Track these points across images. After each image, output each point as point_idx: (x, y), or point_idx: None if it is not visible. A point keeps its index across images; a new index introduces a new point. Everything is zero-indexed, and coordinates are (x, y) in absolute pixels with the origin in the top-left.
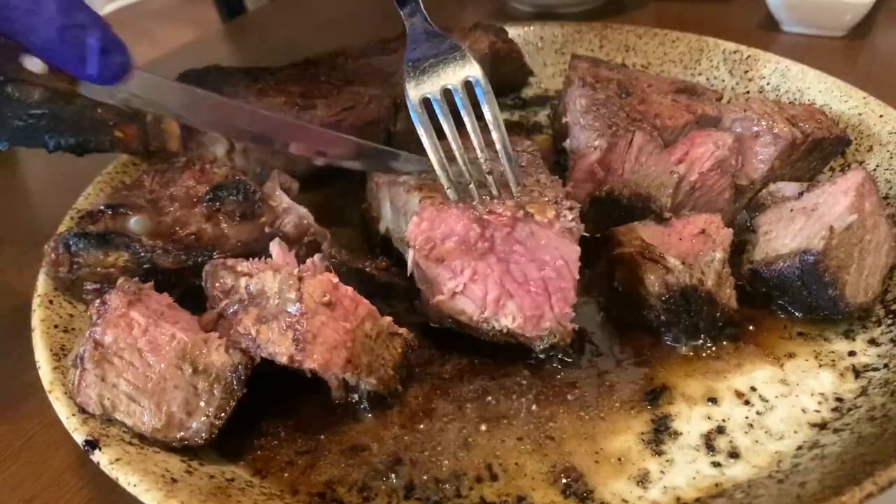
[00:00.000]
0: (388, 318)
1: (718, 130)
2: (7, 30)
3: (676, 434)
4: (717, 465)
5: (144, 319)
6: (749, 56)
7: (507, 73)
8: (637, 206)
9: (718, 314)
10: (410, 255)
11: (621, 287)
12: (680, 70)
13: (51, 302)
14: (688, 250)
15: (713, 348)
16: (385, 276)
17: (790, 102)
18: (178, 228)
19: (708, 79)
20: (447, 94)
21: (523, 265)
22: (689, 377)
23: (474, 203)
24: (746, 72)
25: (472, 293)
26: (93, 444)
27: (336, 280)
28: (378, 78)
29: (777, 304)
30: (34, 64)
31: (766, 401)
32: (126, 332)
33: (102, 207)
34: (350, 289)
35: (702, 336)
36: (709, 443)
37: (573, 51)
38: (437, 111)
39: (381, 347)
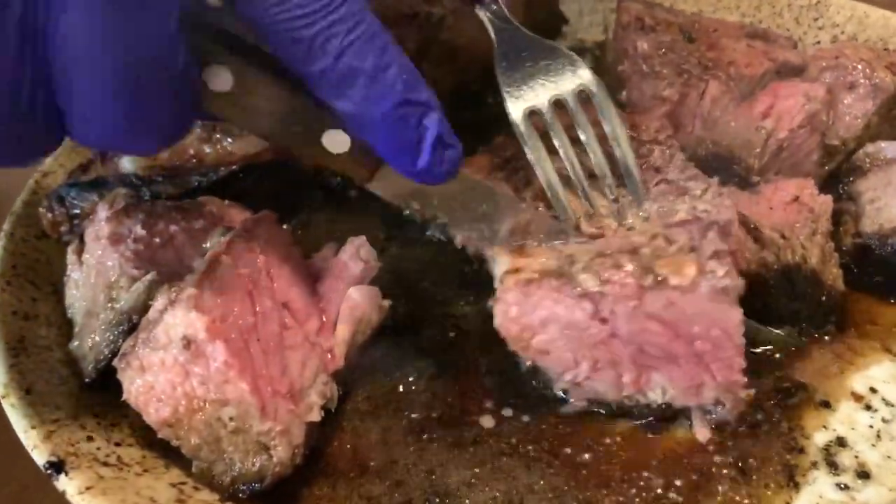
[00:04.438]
0: (271, 426)
1: (805, 81)
2: (333, 92)
3: None
4: (843, 487)
5: None
6: (818, 1)
7: (539, 21)
8: (714, 169)
9: (824, 298)
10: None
11: None
12: (737, 18)
13: (8, 283)
14: (782, 221)
15: (817, 340)
16: None
17: (886, 49)
18: (175, 160)
19: (770, 27)
20: (558, 105)
21: (664, 345)
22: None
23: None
24: (816, 19)
25: (600, 381)
26: (57, 467)
27: (220, 325)
28: (399, 20)
29: (889, 287)
30: (336, 141)
31: (892, 405)
32: None
33: (91, 156)
34: (228, 356)
35: (803, 325)
36: (830, 458)
37: None
38: (550, 126)
39: (234, 447)
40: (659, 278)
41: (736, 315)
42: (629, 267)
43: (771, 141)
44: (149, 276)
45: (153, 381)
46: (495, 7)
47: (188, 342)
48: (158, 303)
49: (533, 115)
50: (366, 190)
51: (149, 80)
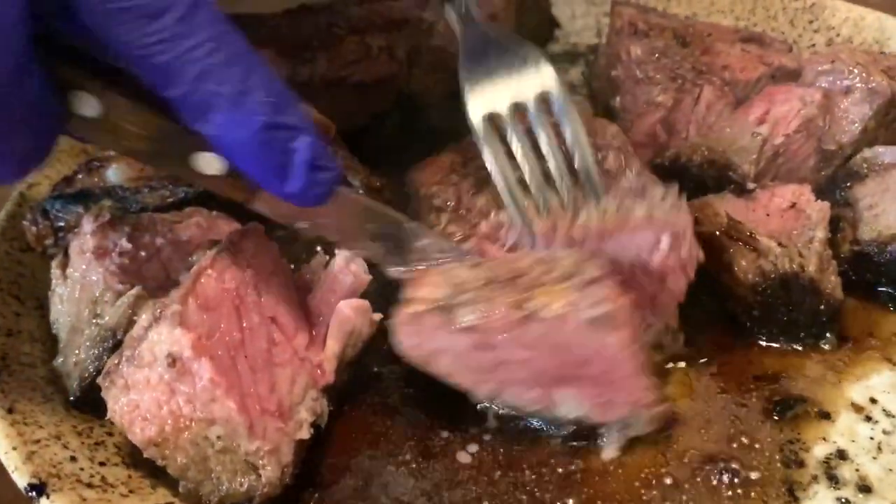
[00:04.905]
0: (259, 445)
1: (800, 85)
2: (195, 116)
3: None
4: (844, 501)
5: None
6: (814, 4)
7: (531, 26)
8: (710, 176)
9: (822, 307)
10: None
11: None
12: (731, 22)
13: None
14: (779, 229)
15: (815, 350)
16: (375, 198)
17: (882, 53)
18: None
19: (765, 30)
20: (518, 110)
21: (555, 368)
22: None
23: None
24: (811, 22)
25: (508, 397)
26: (39, 489)
27: (205, 342)
28: (389, 25)
29: (887, 295)
30: (209, 164)
31: (893, 416)
32: None
33: (76, 168)
34: (215, 374)
35: (801, 335)
36: (830, 472)
37: None
38: (509, 131)
39: (222, 467)
40: (531, 311)
41: (614, 340)
42: (506, 299)
43: (767, 146)
44: (133, 291)
45: (138, 400)
46: (465, 7)
47: (173, 360)
48: (143, 319)
49: (493, 117)
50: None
51: None
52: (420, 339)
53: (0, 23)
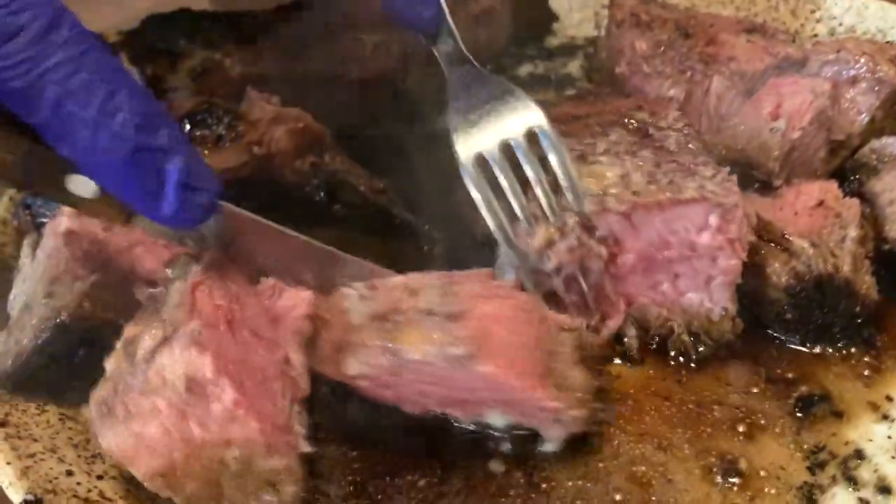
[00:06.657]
0: (277, 462)
1: (806, 76)
2: (59, 141)
3: None
4: (865, 503)
5: None
6: None
7: (528, 18)
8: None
9: (858, 308)
10: None
11: None
12: (731, 11)
13: None
14: (808, 228)
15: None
16: (380, 199)
17: (888, 42)
18: None
19: (766, 20)
20: (507, 149)
21: (453, 395)
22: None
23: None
24: (813, 11)
25: (436, 412)
26: None
27: (220, 362)
28: (385, 22)
29: None
30: (82, 186)
31: None
32: None
33: None
34: (236, 394)
35: (837, 337)
36: (848, 473)
37: None
38: (497, 172)
39: (235, 488)
40: (396, 353)
41: (486, 372)
42: (379, 343)
43: (784, 141)
44: (92, 278)
45: (142, 429)
46: (452, 44)
47: (191, 383)
48: (146, 342)
49: (481, 157)
50: (349, 206)
51: None
52: (336, 369)
53: None
